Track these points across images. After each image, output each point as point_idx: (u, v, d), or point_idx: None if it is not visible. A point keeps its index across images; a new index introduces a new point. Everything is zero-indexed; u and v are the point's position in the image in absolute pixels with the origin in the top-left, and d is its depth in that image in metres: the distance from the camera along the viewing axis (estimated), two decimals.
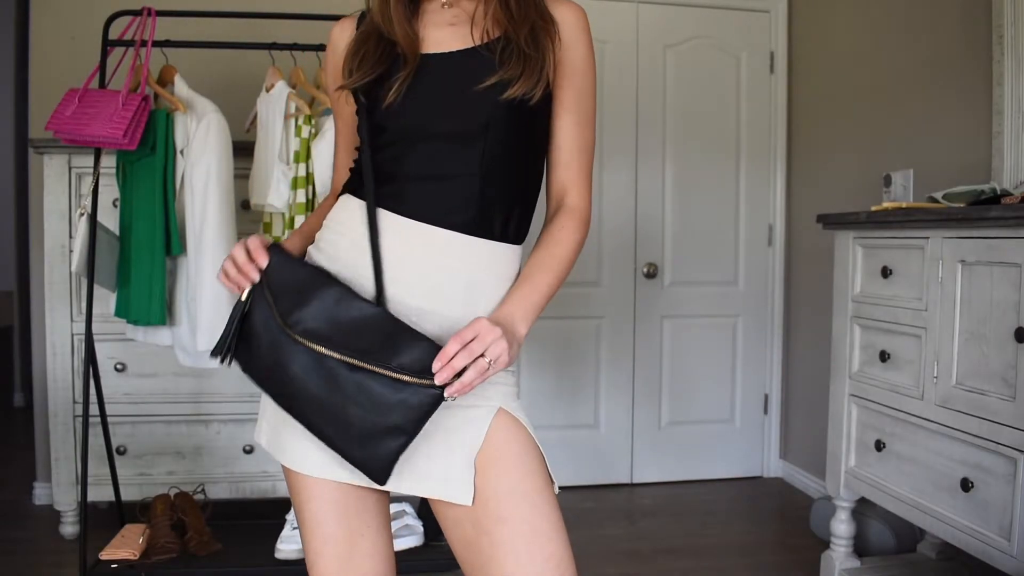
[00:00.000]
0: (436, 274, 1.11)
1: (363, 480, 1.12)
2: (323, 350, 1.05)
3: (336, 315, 1.07)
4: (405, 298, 1.11)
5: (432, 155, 1.12)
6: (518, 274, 1.17)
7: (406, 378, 1.01)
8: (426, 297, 1.10)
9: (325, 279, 1.10)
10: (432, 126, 1.12)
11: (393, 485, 1.11)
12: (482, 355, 1.01)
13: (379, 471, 1.05)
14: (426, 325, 1.10)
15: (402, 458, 1.07)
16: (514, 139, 1.14)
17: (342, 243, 1.16)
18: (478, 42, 1.14)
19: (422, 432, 1.07)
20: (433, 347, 1.02)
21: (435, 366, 1.00)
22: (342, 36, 1.24)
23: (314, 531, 1.16)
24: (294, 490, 1.17)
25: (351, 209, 1.17)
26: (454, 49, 1.15)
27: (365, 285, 1.12)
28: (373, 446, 1.04)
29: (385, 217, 1.13)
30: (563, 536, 1.09)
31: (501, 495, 1.08)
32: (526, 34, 1.12)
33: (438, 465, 1.10)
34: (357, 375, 1.03)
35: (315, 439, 1.10)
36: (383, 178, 1.14)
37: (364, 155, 1.16)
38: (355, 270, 1.13)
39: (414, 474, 1.11)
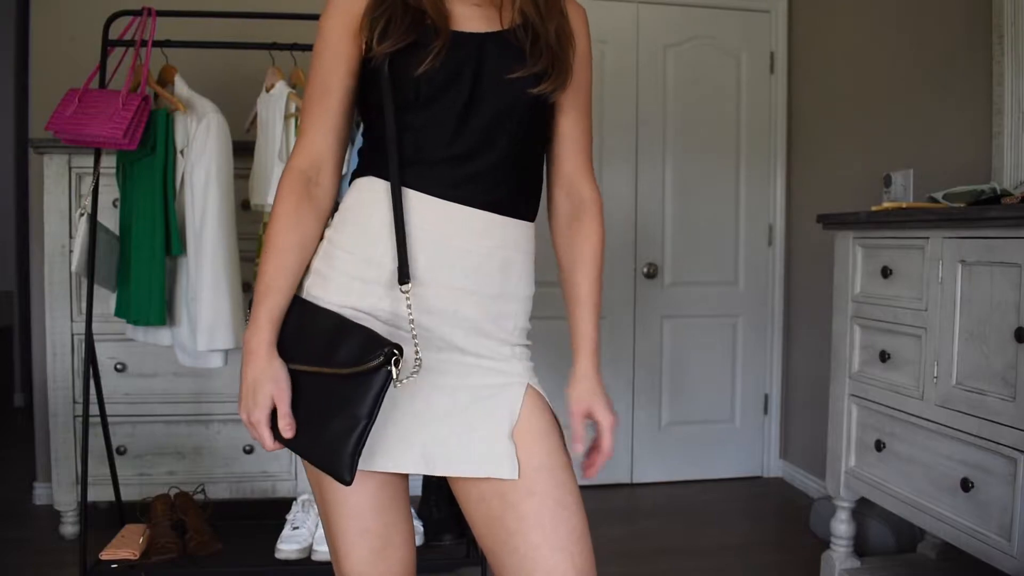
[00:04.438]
0: (475, 255, 1.13)
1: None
2: (292, 366, 1.11)
3: (300, 332, 1.12)
4: (447, 279, 1.12)
5: (463, 135, 1.12)
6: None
7: (344, 372, 1.04)
8: (467, 278, 1.13)
9: (293, 303, 1.14)
10: (464, 106, 1.12)
11: (431, 469, 1.13)
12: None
13: (343, 467, 1.04)
14: (464, 307, 1.13)
15: (443, 442, 1.12)
16: (533, 126, 1.18)
17: (371, 226, 1.13)
18: (505, 27, 1.15)
19: (455, 413, 1.12)
20: (367, 333, 1.06)
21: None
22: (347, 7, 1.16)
23: (350, 525, 1.18)
24: (329, 486, 1.16)
25: (376, 191, 1.14)
26: (483, 30, 1.15)
27: (388, 267, 1.12)
28: (337, 444, 1.04)
29: (415, 198, 1.12)
30: (583, 510, 1.14)
31: (530, 470, 1.11)
32: (552, 32, 1.16)
33: (479, 444, 1.12)
34: (316, 381, 1.09)
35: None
36: (408, 157, 1.13)
37: (388, 131, 1.12)
38: (378, 255, 1.12)
39: (452, 457, 1.13)
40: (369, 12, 1.14)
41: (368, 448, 1.09)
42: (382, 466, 1.14)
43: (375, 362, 1.02)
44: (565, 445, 1.17)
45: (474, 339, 1.14)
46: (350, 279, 1.13)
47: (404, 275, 1.10)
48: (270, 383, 1.09)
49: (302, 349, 1.10)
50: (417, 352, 1.08)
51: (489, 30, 1.15)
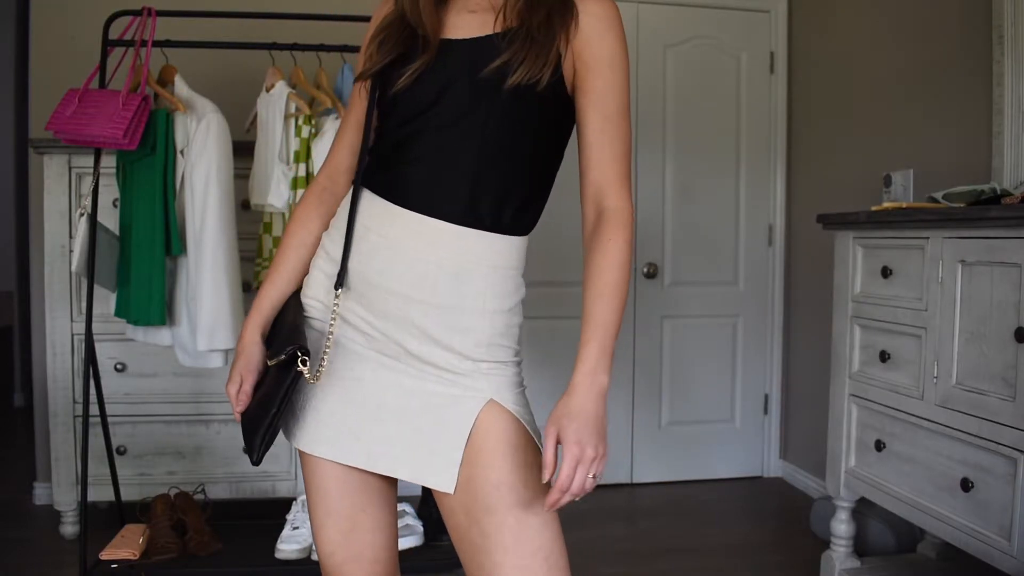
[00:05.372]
0: (423, 264, 1.12)
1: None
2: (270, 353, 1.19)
3: (279, 327, 1.22)
4: (396, 286, 1.13)
5: (430, 143, 1.12)
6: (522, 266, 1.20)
7: (271, 361, 1.15)
8: (413, 286, 1.12)
9: (292, 297, 1.25)
10: (434, 112, 1.12)
11: (374, 466, 1.16)
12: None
13: (252, 448, 1.14)
14: (412, 313, 1.12)
15: (389, 442, 1.15)
16: (518, 127, 1.12)
17: (342, 228, 1.20)
18: (498, 30, 1.13)
19: (407, 416, 1.13)
20: (296, 332, 1.15)
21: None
22: (380, 15, 1.24)
23: (318, 504, 1.22)
24: (304, 468, 1.23)
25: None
26: (470, 36, 1.14)
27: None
28: (253, 427, 1.15)
29: (376, 203, 1.16)
30: (553, 529, 1.10)
31: (489, 486, 1.09)
32: (540, 19, 1.10)
33: (422, 452, 1.13)
34: (271, 370, 1.18)
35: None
36: (383, 165, 1.16)
37: (365, 139, 1.20)
38: (340, 256, 1.19)
39: (395, 458, 1.15)
40: (373, 35, 1.20)
41: (315, 436, 1.18)
42: (326, 454, 1.18)
43: (281, 358, 1.12)
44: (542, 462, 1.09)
45: (428, 348, 1.12)
46: (322, 274, 1.21)
47: (339, 281, 1.16)
48: (242, 361, 1.21)
49: (276, 339, 1.19)
50: (324, 355, 1.15)
51: (477, 36, 1.13)
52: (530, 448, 1.12)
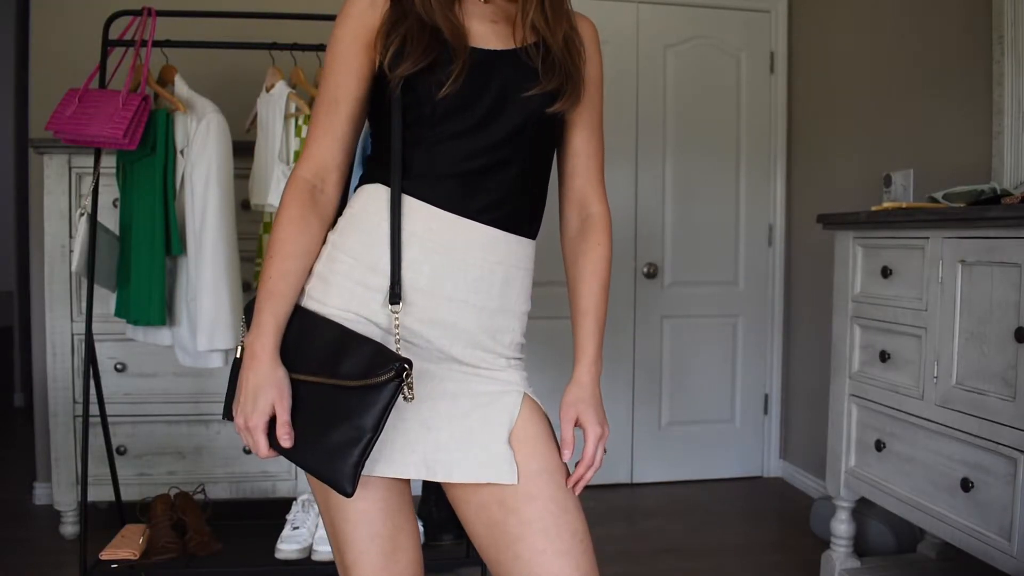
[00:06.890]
0: (478, 269, 1.13)
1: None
2: (292, 375, 1.10)
3: (300, 341, 1.11)
4: (450, 291, 1.13)
5: (475, 153, 1.13)
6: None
7: (349, 383, 1.04)
8: (469, 291, 1.13)
9: (294, 311, 1.13)
10: (477, 123, 1.12)
11: (431, 475, 1.14)
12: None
13: (344, 478, 1.04)
14: (464, 319, 1.14)
15: (444, 448, 1.12)
16: (543, 144, 1.20)
17: (377, 234, 1.13)
18: (518, 45, 1.16)
19: (456, 419, 1.13)
20: (375, 347, 1.06)
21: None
22: (373, 10, 1.15)
23: (359, 531, 1.17)
24: (335, 494, 1.14)
25: (384, 199, 1.14)
26: (499, 48, 1.15)
27: (390, 278, 1.13)
28: (339, 455, 1.04)
29: (423, 209, 1.12)
30: (583, 513, 1.15)
31: (531, 474, 1.12)
32: (561, 45, 1.16)
33: (478, 450, 1.13)
34: (316, 391, 1.08)
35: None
36: (418, 170, 1.13)
37: (395, 146, 1.13)
38: (382, 264, 1.12)
39: (453, 463, 1.13)
40: (384, 30, 1.13)
41: (371, 455, 1.07)
42: (384, 472, 1.13)
43: (385, 376, 1.02)
44: (560, 451, 1.18)
45: (471, 351, 1.15)
46: (353, 284, 1.13)
47: (395, 295, 1.10)
48: (273, 389, 1.08)
49: (302, 358, 1.10)
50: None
51: (503, 48, 1.15)
52: (554, 436, 1.18)
